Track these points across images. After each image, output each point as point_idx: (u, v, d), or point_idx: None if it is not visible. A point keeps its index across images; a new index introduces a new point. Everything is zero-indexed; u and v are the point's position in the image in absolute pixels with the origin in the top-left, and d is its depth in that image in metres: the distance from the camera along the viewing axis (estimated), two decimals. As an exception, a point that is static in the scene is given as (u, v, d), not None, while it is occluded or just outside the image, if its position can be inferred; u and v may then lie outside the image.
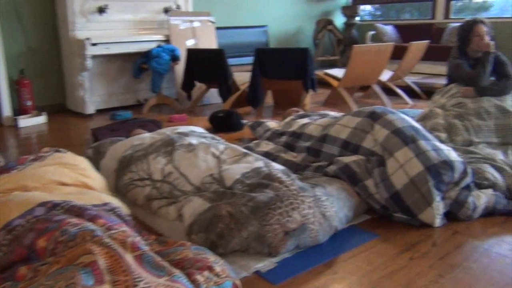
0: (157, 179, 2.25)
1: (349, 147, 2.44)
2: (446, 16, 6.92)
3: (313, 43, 7.45)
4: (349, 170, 2.27)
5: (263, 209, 1.80)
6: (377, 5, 8.55)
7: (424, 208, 2.03)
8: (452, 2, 6.96)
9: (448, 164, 2.07)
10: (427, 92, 5.26)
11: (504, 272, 1.70)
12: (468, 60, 3.26)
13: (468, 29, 3.20)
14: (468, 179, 2.11)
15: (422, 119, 3.26)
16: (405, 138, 2.21)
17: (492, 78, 3.27)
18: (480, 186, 2.26)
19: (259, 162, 2.16)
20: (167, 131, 2.76)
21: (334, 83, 4.89)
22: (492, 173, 2.31)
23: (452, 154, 2.15)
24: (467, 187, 2.13)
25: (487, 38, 3.18)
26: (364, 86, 5.30)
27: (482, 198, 2.16)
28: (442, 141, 2.95)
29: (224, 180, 2.07)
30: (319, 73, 5.18)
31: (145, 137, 2.67)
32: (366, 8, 8.86)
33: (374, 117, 2.45)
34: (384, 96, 5.03)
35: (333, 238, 1.94)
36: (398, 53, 5.26)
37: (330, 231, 1.91)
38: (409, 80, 5.58)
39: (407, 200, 2.05)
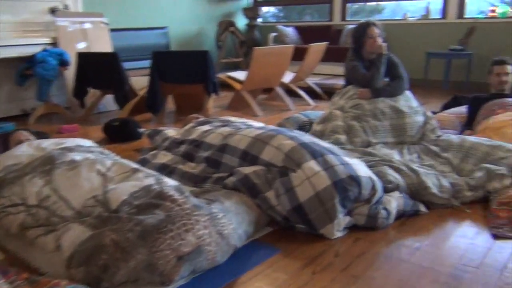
0: (32, 204, 1.95)
1: (247, 157, 2.33)
2: (343, 18, 7.15)
3: (216, 45, 7.32)
4: (249, 182, 2.15)
5: (152, 233, 1.61)
6: (280, 7, 8.65)
7: (326, 224, 1.96)
8: (348, 5, 7.22)
9: (355, 180, 2.02)
10: (328, 93, 5.35)
11: (405, 280, 1.67)
12: (363, 62, 3.31)
13: (362, 32, 3.25)
14: (379, 194, 2.09)
15: (322, 121, 3.26)
16: (313, 151, 2.15)
17: (386, 79, 3.35)
18: (386, 190, 2.25)
19: (150, 179, 1.96)
20: (50, 145, 2.45)
21: (237, 86, 4.79)
22: (393, 175, 2.32)
23: (361, 170, 2.12)
24: (378, 201, 2.10)
25: (379, 40, 3.25)
26: (268, 88, 5.27)
27: (392, 202, 2.15)
28: (342, 143, 2.96)
29: (109, 202, 1.84)
30: (222, 76, 5.06)
31: (23, 154, 2.35)
32: (270, 9, 8.93)
33: (279, 131, 2.39)
34: (287, 98, 5.03)
35: (233, 257, 1.80)
36: (299, 55, 5.30)
37: (229, 251, 1.77)
38: (311, 81, 5.66)
39: (310, 214, 1.97)
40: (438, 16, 6.33)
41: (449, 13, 6.18)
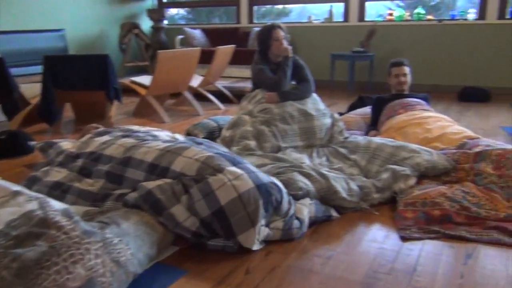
0: None
1: (155, 170, 2.14)
2: (250, 20, 7.14)
3: (120, 48, 6.95)
4: (152, 198, 1.96)
5: (32, 269, 1.38)
6: (189, 9, 8.43)
7: (247, 228, 1.83)
8: (255, 8, 7.22)
9: (276, 185, 1.95)
10: (238, 96, 5.26)
11: (318, 293, 1.60)
12: (269, 65, 3.26)
13: (267, 34, 3.18)
14: (292, 208, 2.01)
15: (231, 127, 3.14)
16: (232, 159, 2.03)
17: (293, 82, 3.33)
18: (296, 197, 2.18)
19: (32, 204, 1.70)
20: None
21: (142, 91, 4.53)
22: (303, 181, 2.26)
23: (278, 183, 2.04)
24: (291, 214, 2.02)
25: (285, 43, 3.21)
26: (176, 93, 5.06)
27: (304, 210, 2.08)
28: (252, 149, 2.86)
29: (-20, 235, 1.56)
30: (125, 81, 4.77)
31: None
32: (180, 11, 8.69)
33: (191, 143, 2.24)
34: (195, 103, 4.86)
35: (133, 285, 1.61)
36: (206, 58, 5.17)
37: (127, 279, 1.58)
38: (220, 84, 5.55)
39: (231, 217, 1.82)
40: (341, 19, 6.53)
41: (351, 16, 6.40)
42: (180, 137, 2.72)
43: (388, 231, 2.06)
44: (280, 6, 7.99)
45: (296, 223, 1.99)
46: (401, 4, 6.66)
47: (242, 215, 1.81)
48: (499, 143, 2.54)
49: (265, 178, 1.93)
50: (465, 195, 2.18)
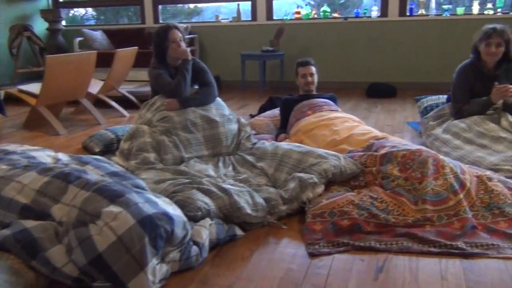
0: None
1: (31, 215, 1.82)
2: (156, 20, 6.79)
3: (10, 53, 6.29)
4: (28, 237, 1.64)
5: None
6: (95, 9, 7.88)
7: (135, 273, 1.53)
8: (166, 7, 6.88)
9: (165, 215, 1.67)
10: (144, 101, 4.93)
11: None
12: (168, 69, 3.00)
13: (162, 36, 2.93)
14: (189, 234, 1.77)
15: (129, 138, 2.85)
16: (112, 193, 1.74)
17: (196, 87, 3.10)
18: (195, 219, 1.95)
19: None
20: None
21: (32, 101, 4.06)
22: (202, 200, 2.03)
23: (170, 208, 1.77)
24: (188, 241, 1.78)
25: (183, 45, 2.97)
26: (76, 101, 4.62)
27: (203, 233, 1.85)
28: (151, 162, 2.60)
29: None
30: (12, 90, 4.26)
31: None
32: (89, 11, 8.10)
33: (69, 179, 1.90)
34: (95, 111, 4.46)
35: None
36: (106, 61, 4.77)
37: None
38: (124, 89, 5.17)
39: (113, 264, 1.54)
40: (249, 18, 6.40)
41: (259, 15, 6.29)
42: (63, 156, 2.39)
43: (296, 247, 1.91)
44: (192, 5, 7.72)
45: (194, 249, 1.77)
46: (312, 2, 6.68)
47: (126, 259, 1.54)
48: (404, 143, 2.50)
49: (150, 208, 1.68)
50: (373, 201, 2.09)
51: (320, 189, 2.24)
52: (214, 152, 2.85)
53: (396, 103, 4.98)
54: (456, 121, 3.08)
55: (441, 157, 2.26)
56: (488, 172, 2.34)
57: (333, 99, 3.45)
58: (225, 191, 2.10)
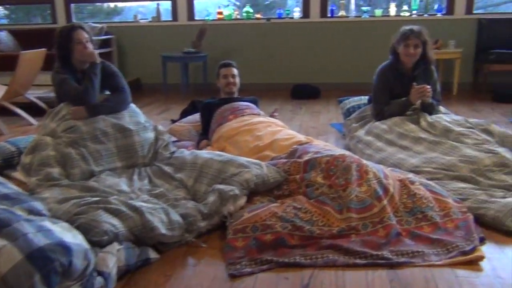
0: None
1: None
2: (69, 20, 6.33)
3: None
4: None
5: None
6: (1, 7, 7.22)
7: None
8: (84, 6, 6.43)
9: (61, 246, 1.43)
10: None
11: None
12: (74, 73, 2.72)
13: (66, 37, 2.65)
14: (92, 263, 1.53)
15: (31, 151, 2.54)
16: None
17: (107, 93, 2.84)
18: (101, 244, 1.72)
19: None
20: None
21: None
22: (109, 222, 1.80)
23: (68, 235, 1.53)
24: (91, 272, 1.54)
25: (90, 46, 2.71)
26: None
27: (110, 260, 1.63)
28: (56, 179, 2.32)
29: None
30: None
31: None
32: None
33: None
34: (-3, 120, 4.03)
35: None
36: (10, 64, 4.34)
37: None
38: (32, 95, 4.72)
39: None
40: (169, 18, 6.15)
41: (180, 15, 6.06)
42: None
43: (216, 268, 1.75)
44: (112, 5, 7.32)
45: (98, 281, 1.55)
46: (237, 3, 6.55)
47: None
48: (327, 148, 2.42)
49: (43, 239, 1.44)
50: (297, 212, 1.98)
51: (242, 201, 2.10)
52: (128, 163, 2.61)
53: (320, 105, 4.98)
54: (377, 123, 3.08)
55: (364, 162, 2.21)
56: (410, 175, 2.32)
57: (255, 102, 3.34)
58: (136, 209, 1.89)
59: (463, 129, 2.77)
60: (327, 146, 2.63)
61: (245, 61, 5.90)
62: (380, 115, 3.11)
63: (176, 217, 1.93)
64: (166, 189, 2.32)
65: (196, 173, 2.35)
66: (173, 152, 2.72)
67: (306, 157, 2.28)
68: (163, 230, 1.84)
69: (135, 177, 2.48)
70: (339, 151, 2.34)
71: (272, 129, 2.83)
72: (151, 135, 2.76)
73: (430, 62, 3.08)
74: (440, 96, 3.25)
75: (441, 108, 3.25)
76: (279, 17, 5.91)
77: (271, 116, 3.27)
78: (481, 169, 2.39)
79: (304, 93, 5.40)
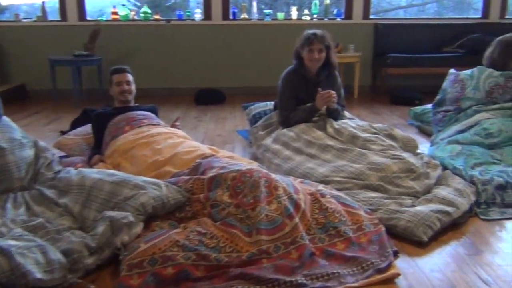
0: None
1: None
2: None
3: None
4: None
5: None
6: None
7: None
8: None
9: None
10: None
11: None
12: None
13: None
14: None
15: None
16: None
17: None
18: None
19: None
20: None
21: None
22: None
23: None
24: None
25: None
26: None
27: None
28: None
29: None
30: None
31: None
32: None
33: None
34: None
35: None
36: None
37: None
38: None
39: None
40: (57, 18, 5.59)
41: (69, 15, 5.52)
42: None
43: (106, 316, 1.47)
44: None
45: None
46: (138, 4, 6.13)
47: None
48: (234, 162, 2.22)
49: None
50: (201, 237, 1.75)
51: (138, 228, 1.83)
52: (2, 187, 2.20)
53: (225, 110, 4.80)
54: (284, 130, 2.96)
55: (273, 176, 2.04)
56: (321, 187, 2.21)
57: (154, 111, 3.07)
58: (2, 251, 1.54)
59: (369, 135, 2.74)
60: (233, 158, 2.45)
61: (144, 65, 5.56)
62: (286, 122, 2.99)
63: (56, 255, 1.61)
64: (47, 218, 1.97)
65: (83, 197, 2.03)
66: (58, 172, 2.35)
67: (210, 173, 2.07)
68: (38, 274, 1.52)
69: (9, 205, 2.08)
70: (246, 165, 2.15)
71: (173, 141, 2.58)
72: (29, 152, 2.36)
73: (333, 67, 3.03)
74: (344, 101, 3.22)
75: (346, 113, 3.23)
76: (180, 19, 5.63)
77: (173, 126, 3.01)
78: (389, 176, 2.35)
79: (209, 98, 5.19)
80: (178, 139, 2.63)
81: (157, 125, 2.84)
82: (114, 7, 5.59)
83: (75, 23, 5.52)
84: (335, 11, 5.73)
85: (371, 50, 5.74)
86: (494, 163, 2.61)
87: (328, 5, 5.67)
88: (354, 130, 2.79)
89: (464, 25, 5.67)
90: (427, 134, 3.70)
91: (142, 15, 5.61)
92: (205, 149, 2.53)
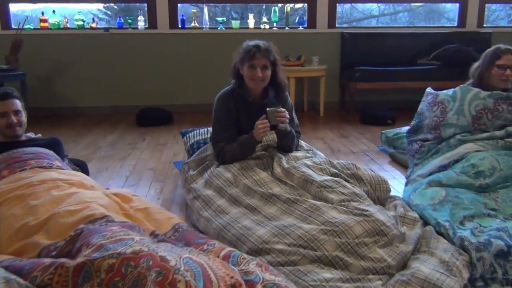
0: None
1: None
2: None
3: None
4: None
5: None
6: None
7: None
8: None
9: None
10: None
11: None
12: None
13: None
14: None
15: None
16: None
17: None
18: None
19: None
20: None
21: None
22: None
23: None
24: None
25: None
26: None
27: None
28: None
29: None
30: None
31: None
32: None
33: None
34: None
35: None
36: None
37: None
38: None
39: None
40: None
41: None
42: None
43: None
44: None
45: None
46: (80, 11, 5.39)
47: None
48: (123, 236, 1.52)
49: None
50: None
51: None
52: None
53: (169, 134, 4.10)
54: (220, 169, 2.29)
55: (175, 262, 1.35)
56: (252, 266, 1.52)
57: (54, 146, 2.37)
58: None
59: (327, 177, 2.09)
60: (147, 212, 1.77)
61: (79, 79, 4.83)
62: (221, 157, 2.33)
63: None
64: None
65: None
66: None
67: (79, 258, 1.37)
68: None
69: None
70: (139, 240, 1.46)
71: (58, 193, 1.88)
72: None
73: (282, 87, 2.39)
74: (299, 127, 2.58)
75: (302, 143, 2.59)
76: (120, 27, 4.92)
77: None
78: (350, 243, 1.69)
79: (152, 118, 4.48)
80: (67, 189, 1.93)
81: (48, 167, 2.13)
82: (42, 13, 4.83)
83: (-3, 32, 4.76)
84: (296, 19, 5.12)
85: (338, 62, 5.14)
86: (488, 215, 1.98)
87: (288, 13, 5.05)
88: (308, 171, 2.14)
89: (439, 34, 5.14)
90: (401, 164, 3.09)
91: (75, 23, 4.88)
92: (100, 203, 1.83)
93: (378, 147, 3.55)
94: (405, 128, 3.30)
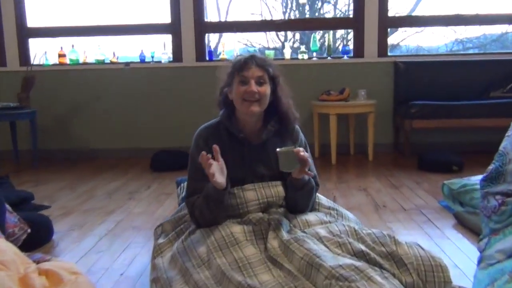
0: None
1: None
2: None
3: None
4: None
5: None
6: None
7: None
8: None
9: None
10: None
11: None
12: None
13: None
14: None
15: None
16: None
17: None
18: None
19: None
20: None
21: None
22: None
23: None
24: None
25: None
26: None
27: None
28: None
29: None
30: None
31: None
32: None
33: None
34: None
35: None
36: None
37: None
38: None
39: None
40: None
41: (10, 59, 4.47)
42: None
43: None
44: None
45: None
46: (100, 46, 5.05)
47: None
48: None
49: None
50: None
51: None
52: None
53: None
54: (196, 236, 1.58)
55: None
56: None
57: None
58: None
59: (346, 260, 1.32)
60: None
61: (94, 119, 4.40)
62: (193, 217, 1.63)
63: None
64: None
65: None
66: None
67: None
68: None
69: None
70: None
71: None
72: None
73: (287, 117, 1.67)
74: (318, 177, 1.81)
75: (321, 198, 1.83)
76: (142, 62, 4.47)
77: None
78: None
79: (169, 162, 3.89)
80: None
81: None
82: (61, 49, 4.49)
83: (15, 68, 4.45)
84: (340, 48, 4.42)
85: (391, 96, 4.34)
86: None
87: (330, 41, 4.37)
88: (318, 248, 1.37)
89: (516, 62, 4.23)
90: (470, 229, 2.22)
91: (95, 57, 4.49)
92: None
93: (439, 203, 2.68)
94: (476, 178, 2.46)
